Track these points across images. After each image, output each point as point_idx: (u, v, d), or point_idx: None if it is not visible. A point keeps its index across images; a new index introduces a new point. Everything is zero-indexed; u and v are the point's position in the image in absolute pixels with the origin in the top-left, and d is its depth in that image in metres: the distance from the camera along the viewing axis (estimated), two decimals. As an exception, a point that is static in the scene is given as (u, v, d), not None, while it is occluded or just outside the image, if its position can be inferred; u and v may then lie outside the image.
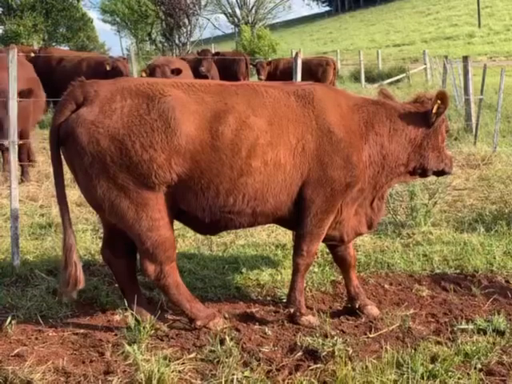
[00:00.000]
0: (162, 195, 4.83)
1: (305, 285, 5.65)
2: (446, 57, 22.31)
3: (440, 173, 5.91)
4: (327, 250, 6.23)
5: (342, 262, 5.72)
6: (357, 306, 5.56)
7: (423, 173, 5.75)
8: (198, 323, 5.14)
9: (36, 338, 5.03)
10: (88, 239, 7.41)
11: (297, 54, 7.84)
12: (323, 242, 5.54)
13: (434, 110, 5.47)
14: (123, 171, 4.69)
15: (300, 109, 5.16)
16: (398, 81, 28.68)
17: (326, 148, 5.12)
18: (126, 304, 5.16)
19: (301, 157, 5.07)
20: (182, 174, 4.78)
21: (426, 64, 30.27)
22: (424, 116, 5.52)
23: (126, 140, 4.65)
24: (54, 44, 46.60)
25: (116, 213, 4.83)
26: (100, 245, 5.57)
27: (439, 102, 5.44)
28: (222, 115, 4.85)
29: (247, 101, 5.01)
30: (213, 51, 20.46)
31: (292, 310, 5.35)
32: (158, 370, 4.19)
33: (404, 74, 29.31)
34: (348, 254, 5.67)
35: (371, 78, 31.20)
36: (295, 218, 5.26)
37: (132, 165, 4.67)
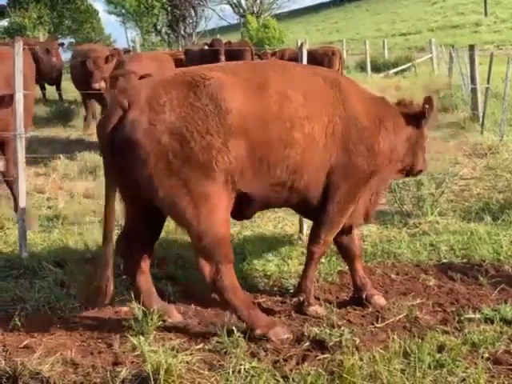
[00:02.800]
0: (222, 189, 4.70)
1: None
2: (452, 46, 22.21)
3: (418, 173, 6.13)
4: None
5: (346, 253, 5.72)
6: (363, 296, 5.56)
7: (410, 171, 5.95)
8: (258, 332, 4.79)
9: (44, 330, 5.05)
10: (95, 231, 7.42)
11: (302, 44, 7.83)
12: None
13: (426, 116, 5.61)
14: (185, 165, 4.57)
15: (328, 90, 5.21)
16: (404, 70, 28.50)
17: (352, 134, 5.17)
18: (133, 296, 5.13)
19: (331, 138, 5.10)
20: (238, 156, 4.70)
21: (432, 53, 30.05)
22: (416, 117, 5.64)
23: (184, 131, 4.55)
24: (59, 36, 46.49)
25: (176, 209, 4.71)
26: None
27: (427, 106, 5.58)
28: (264, 89, 4.89)
29: (281, 75, 5.08)
30: (218, 42, 20.30)
31: (302, 298, 5.36)
32: (166, 361, 4.18)
33: (410, 64, 29.11)
34: (353, 245, 5.67)
35: (377, 68, 30.97)
36: (317, 204, 5.26)
37: (193, 156, 4.56)
